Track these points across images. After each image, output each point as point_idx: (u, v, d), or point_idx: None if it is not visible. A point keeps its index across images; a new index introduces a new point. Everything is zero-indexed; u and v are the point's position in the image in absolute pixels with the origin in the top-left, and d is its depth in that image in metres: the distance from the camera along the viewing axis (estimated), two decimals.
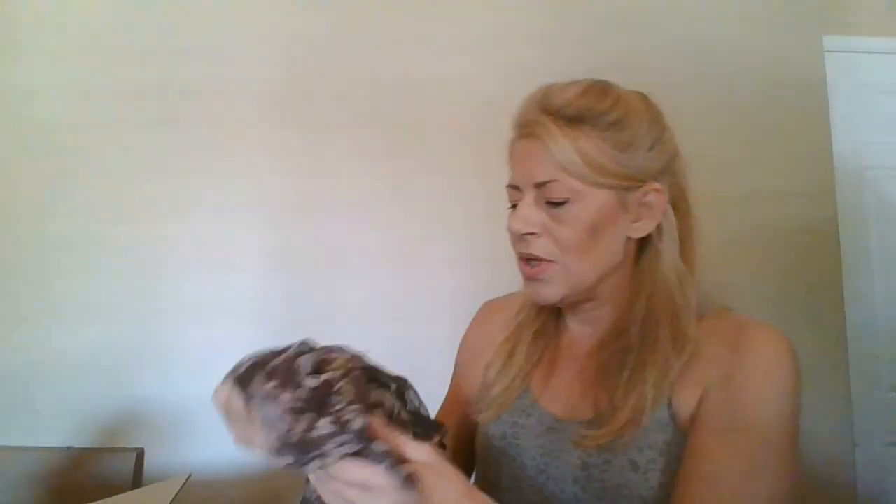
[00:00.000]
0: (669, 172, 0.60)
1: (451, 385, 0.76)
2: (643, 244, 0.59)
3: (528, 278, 0.59)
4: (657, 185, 0.58)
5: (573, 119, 0.55)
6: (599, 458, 0.55)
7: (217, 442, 1.25)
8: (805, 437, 1.49)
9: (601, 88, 0.57)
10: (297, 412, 0.38)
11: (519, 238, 0.58)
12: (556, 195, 0.55)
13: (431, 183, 1.33)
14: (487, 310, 0.77)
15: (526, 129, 0.58)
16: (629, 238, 0.58)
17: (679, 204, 0.60)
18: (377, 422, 0.43)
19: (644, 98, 0.60)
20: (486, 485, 0.64)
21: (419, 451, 0.44)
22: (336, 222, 1.33)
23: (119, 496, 0.79)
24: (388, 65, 1.36)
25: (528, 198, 0.57)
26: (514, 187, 0.60)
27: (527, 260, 0.58)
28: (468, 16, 1.39)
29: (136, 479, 1.11)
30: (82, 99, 1.32)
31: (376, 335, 1.30)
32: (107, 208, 1.30)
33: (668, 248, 0.58)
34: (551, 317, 0.67)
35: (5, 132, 1.31)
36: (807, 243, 1.39)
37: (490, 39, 1.39)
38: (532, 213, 0.57)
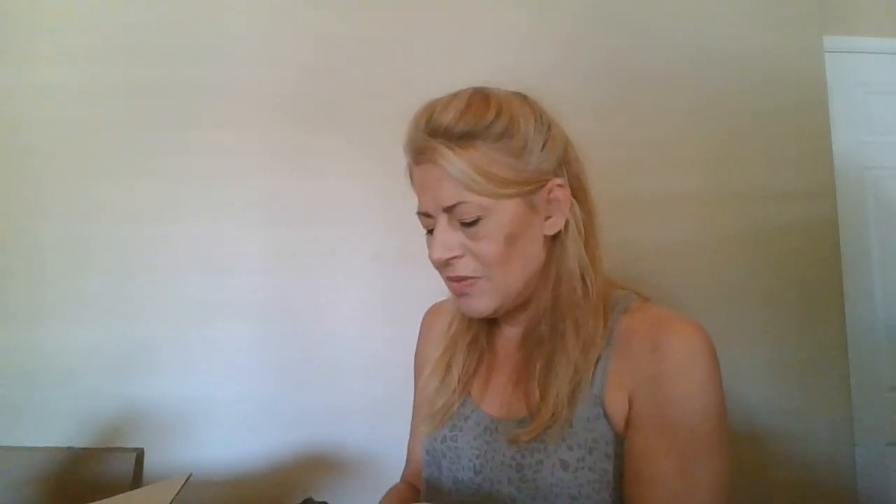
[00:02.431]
0: (566, 164, 0.61)
1: (415, 397, 0.79)
2: (552, 239, 0.61)
3: (458, 294, 0.60)
4: (559, 181, 0.59)
5: (463, 137, 0.55)
6: (532, 459, 0.57)
7: (217, 442, 1.25)
8: (805, 437, 1.49)
9: (482, 99, 0.57)
10: None
11: (443, 264, 0.59)
12: (468, 215, 0.56)
13: None
14: (430, 316, 0.80)
15: (421, 156, 0.58)
16: (546, 236, 0.60)
17: (578, 192, 0.62)
18: None
19: (524, 99, 0.61)
20: (430, 489, 0.65)
21: None
22: (336, 223, 1.33)
23: (119, 496, 0.79)
24: (389, 66, 1.36)
25: (442, 222, 0.58)
26: (424, 214, 0.60)
27: (453, 280, 0.60)
28: (480, 15, 1.39)
29: (136, 479, 1.11)
30: (82, 98, 1.32)
31: (374, 336, 1.30)
32: (107, 208, 1.30)
33: (573, 241, 0.60)
34: (483, 324, 0.69)
35: (6, 132, 1.31)
36: (807, 243, 1.39)
37: (493, 39, 1.39)
38: (449, 238, 0.58)
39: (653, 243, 1.34)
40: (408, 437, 0.81)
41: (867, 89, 1.61)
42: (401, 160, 1.42)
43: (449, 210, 0.57)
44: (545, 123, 0.60)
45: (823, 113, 1.44)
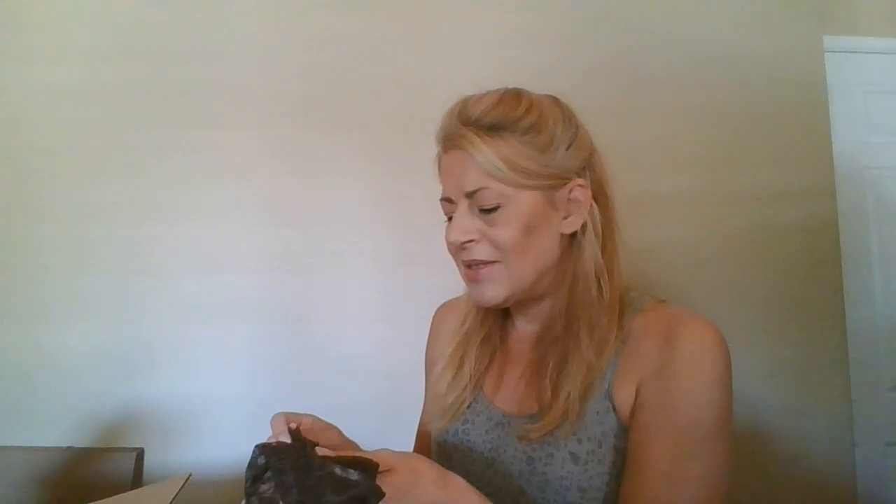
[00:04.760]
0: (589, 168, 0.62)
1: (426, 394, 0.79)
2: (570, 239, 0.62)
3: (471, 281, 0.62)
4: (581, 181, 0.60)
5: (492, 127, 0.58)
6: (542, 452, 0.58)
7: (217, 442, 1.25)
8: (805, 437, 1.49)
9: (514, 95, 0.60)
10: None
11: (459, 248, 0.61)
12: (488, 202, 0.58)
13: (430, 185, 1.33)
14: (441, 313, 0.80)
15: (450, 142, 0.61)
16: (562, 235, 0.61)
17: (600, 198, 0.63)
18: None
19: (555, 101, 0.63)
20: None
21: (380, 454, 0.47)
22: (337, 222, 1.33)
23: (119, 496, 0.79)
24: (389, 66, 1.36)
25: (462, 207, 0.60)
26: (447, 200, 0.62)
27: (468, 264, 0.61)
28: (480, 15, 1.39)
29: (136, 479, 1.11)
30: (82, 98, 1.32)
31: (374, 336, 1.30)
32: (107, 208, 1.30)
33: (589, 243, 0.61)
34: (497, 321, 0.70)
35: (6, 132, 1.31)
36: (807, 243, 1.39)
37: (493, 39, 1.39)
38: (467, 222, 0.59)
39: (653, 243, 1.34)
40: (413, 435, 0.80)
41: (867, 89, 1.61)
42: (401, 160, 1.42)
43: (470, 196, 0.59)
44: (573, 126, 0.61)
45: (823, 113, 1.44)
